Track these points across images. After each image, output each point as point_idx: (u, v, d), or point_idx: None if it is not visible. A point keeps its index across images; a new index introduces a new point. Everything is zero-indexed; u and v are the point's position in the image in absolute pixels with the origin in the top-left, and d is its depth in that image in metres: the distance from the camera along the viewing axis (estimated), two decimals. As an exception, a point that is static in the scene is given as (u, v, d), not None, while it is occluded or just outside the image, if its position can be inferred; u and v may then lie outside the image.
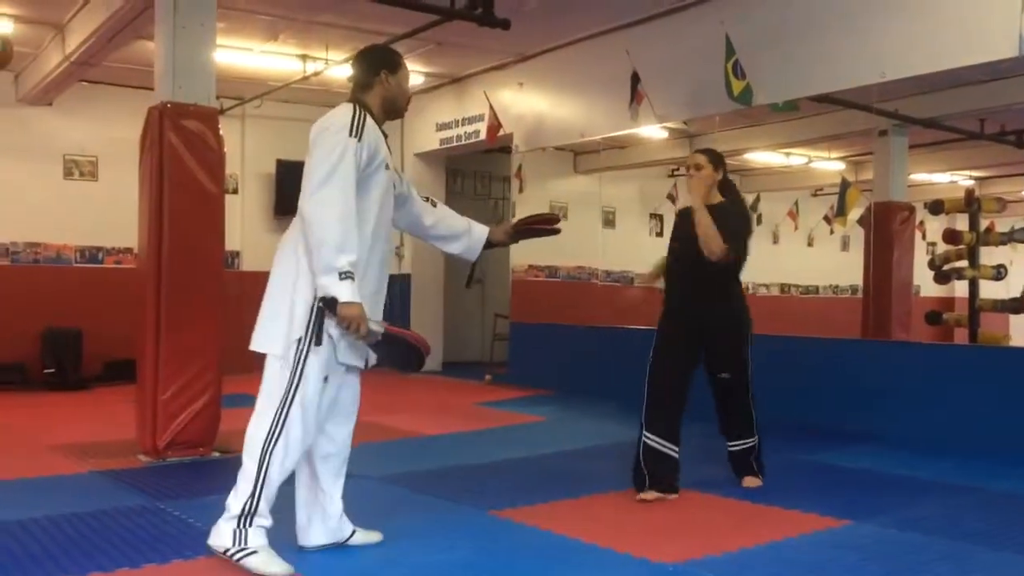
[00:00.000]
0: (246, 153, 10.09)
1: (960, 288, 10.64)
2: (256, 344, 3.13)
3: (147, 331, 5.09)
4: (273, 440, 3.02)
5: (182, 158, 5.12)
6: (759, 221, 12.33)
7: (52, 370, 8.61)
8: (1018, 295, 8.87)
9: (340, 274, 2.93)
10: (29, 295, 8.89)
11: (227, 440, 5.32)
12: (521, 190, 9.46)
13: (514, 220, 3.83)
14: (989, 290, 9.50)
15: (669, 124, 8.16)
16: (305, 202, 2.99)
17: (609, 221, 11.48)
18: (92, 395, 8.26)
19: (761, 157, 11.76)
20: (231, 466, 4.93)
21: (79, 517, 3.76)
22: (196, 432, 5.10)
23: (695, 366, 4.34)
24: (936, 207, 9.03)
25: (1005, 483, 4.67)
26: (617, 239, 11.38)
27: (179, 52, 5.28)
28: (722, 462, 4.52)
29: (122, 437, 5.48)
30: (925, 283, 10.61)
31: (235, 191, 9.93)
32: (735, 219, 4.25)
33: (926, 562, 3.30)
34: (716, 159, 4.34)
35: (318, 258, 2.94)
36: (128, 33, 6.82)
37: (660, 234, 12.67)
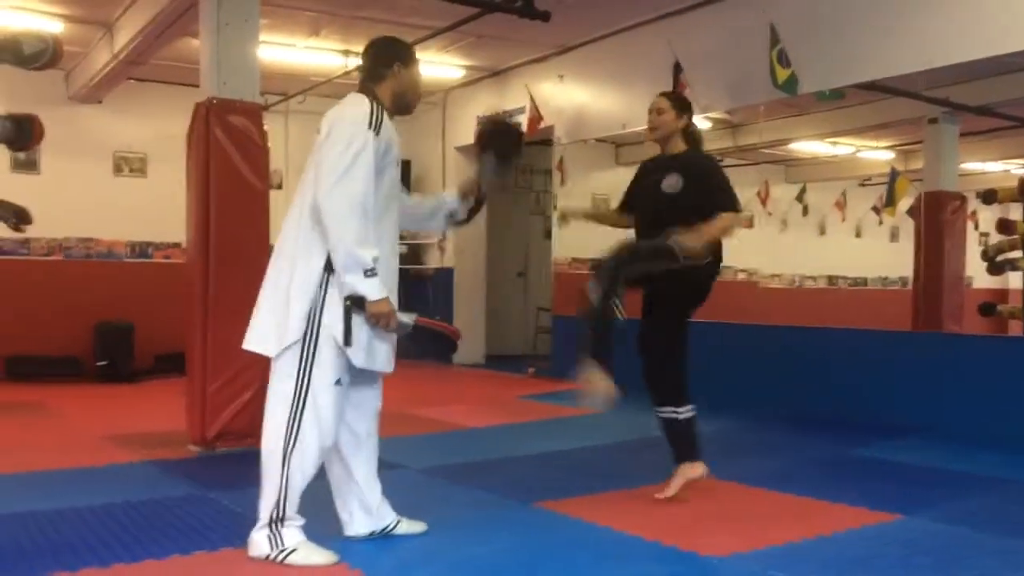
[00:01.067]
0: (290, 148, 10.17)
1: (1014, 279, 10.41)
2: (249, 343, 3.10)
3: (195, 324, 5.18)
4: (290, 449, 3.01)
5: (228, 154, 5.18)
6: (805, 212, 12.18)
7: (105, 363, 8.81)
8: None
9: (366, 271, 2.91)
10: (82, 290, 9.10)
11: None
12: (563, 182, 9.43)
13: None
14: (1044, 281, 9.29)
15: (712, 114, 8.07)
16: (323, 197, 2.92)
17: (652, 213, 11.38)
18: (143, 387, 8.43)
19: (807, 147, 11.58)
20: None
21: (132, 505, 3.84)
22: (244, 423, 5.16)
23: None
24: (989, 196, 8.81)
25: (1060, 478, 4.57)
26: (660, 231, 11.27)
27: (223, 49, 5.34)
28: (765, 454, 4.47)
29: (173, 428, 5.58)
30: (977, 274, 10.40)
31: (279, 186, 10.01)
32: (716, 175, 3.96)
33: (976, 556, 3.23)
34: (681, 104, 4.10)
35: (341, 256, 2.91)
36: (174, 31, 6.93)
37: (704, 226, 12.57)
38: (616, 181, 11.06)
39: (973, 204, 9.80)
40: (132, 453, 5.05)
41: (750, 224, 3.19)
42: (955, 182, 9.04)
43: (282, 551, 3.03)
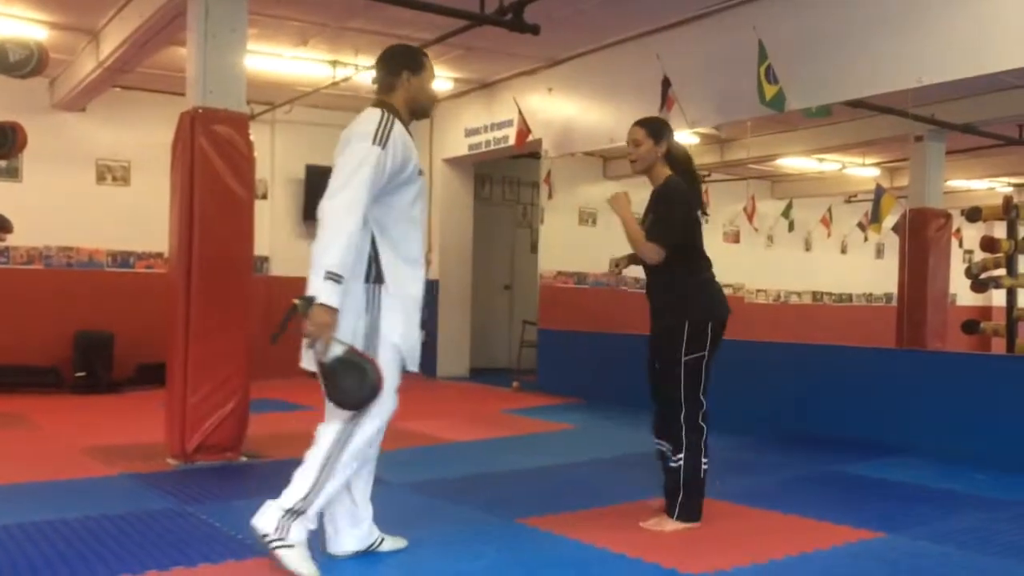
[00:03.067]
0: (276, 158, 10.15)
1: (998, 297, 10.46)
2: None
3: (176, 335, 5.12)
4: (340, 448, 3.02)
5: (213, 163, 5.15)
6: (791, 228, 12.22)
7: (84, 373, 8.71)
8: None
9: (326, 273, 2.87)
10: (62, 299, 9.01)
11: (255, 445, 5.34)
12: (550, 196, 9.43)
13: None
14: (1027, 299, 9.32)
15: (700, 130, 8.09)
16: (321, 205, 3.00)
17: (639, 227, 11.40)
18: (123, 398, 8.34)
19: (794, 163, 11.64)
20: (258, 471, 4.97)
21: (109, 519, 3.78)
22: (224, 436, 5.12)
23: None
24: (973, 214, 8.87)
25: (1045, 497, 4.57)
26: (646, 245, 11.29)
27: (210, 58, 5.32)
28: (749, 472, 4.45)
29: (152, 440, 5.52)
30: (961, 292, 10.44)
31: (264, 196, 10.00)
32: (661, 206, 3.90)
33: (962, 577, 3.23)
34: (656, 131, 3.93)
35: (317, 252, 2.92)
36: (161, 39, 6.89)
37: (690, 240, 12.59)
38: (603, 195, 11.06)
39: (958, 221, 9.85)
40: (110, 466, 4.99)
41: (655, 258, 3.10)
42: (940, 200, 9.08)
43: (280, 540, 2.97)
